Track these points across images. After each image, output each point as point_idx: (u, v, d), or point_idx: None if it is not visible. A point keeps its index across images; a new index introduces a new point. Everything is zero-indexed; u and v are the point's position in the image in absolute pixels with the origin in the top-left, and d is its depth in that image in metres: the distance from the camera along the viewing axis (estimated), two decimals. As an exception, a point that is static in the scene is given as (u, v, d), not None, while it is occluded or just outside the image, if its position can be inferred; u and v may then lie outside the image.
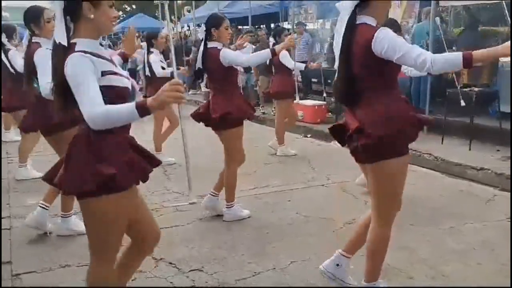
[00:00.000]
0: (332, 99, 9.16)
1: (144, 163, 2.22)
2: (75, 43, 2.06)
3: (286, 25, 12.04)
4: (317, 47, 11.06)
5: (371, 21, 2.52)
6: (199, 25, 18.35)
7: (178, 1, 18.77)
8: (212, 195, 4.32)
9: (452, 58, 2.36)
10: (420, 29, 7.90)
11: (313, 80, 10.08)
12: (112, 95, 2.05)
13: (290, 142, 6.88)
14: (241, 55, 4.14)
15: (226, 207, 4.24)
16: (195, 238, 3.87)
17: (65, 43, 2.04)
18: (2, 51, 5.86)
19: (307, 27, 11.73)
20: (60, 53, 2.06)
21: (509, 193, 4.68)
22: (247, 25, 12.45)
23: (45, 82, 3.44)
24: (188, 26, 18.71)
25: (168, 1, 2.99)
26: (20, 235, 3.97)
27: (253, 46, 10.03)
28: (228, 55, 3.99)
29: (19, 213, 4.44)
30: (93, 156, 2.06)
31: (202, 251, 3.63)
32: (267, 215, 4.36)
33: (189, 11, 18.96)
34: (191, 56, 12.21)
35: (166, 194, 4.96)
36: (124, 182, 2.11)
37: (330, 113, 8.94)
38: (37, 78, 3.63)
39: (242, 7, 13.50)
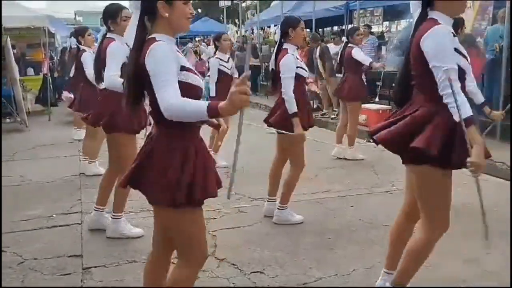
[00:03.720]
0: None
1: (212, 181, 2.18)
2: (154, 38, 2.09)
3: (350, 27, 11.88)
4: (383, 49, 10.83)
5: (439, 16, 2.41)
6: (262, 28, 18.54)
7: (242, 5, 19.01)
8: (269, 201, 4.35)
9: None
10: (494, 32, 7.55)
11: (378, 83, 9.86)
12: (187, 91, 2.05)
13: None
14: (288, 73, 3.96)
15: (278, 209, 4.24)
16: (257, 240, 3.89)
17: (132, 43, 2.11)
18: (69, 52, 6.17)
19: (372, 30, 11.52)
20: (135, 50, 2.11)
21: None
22: (311, 28, 12.39)
23: (110, 73, 3.59)
24: (252, 30, 18.89)
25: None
26: (91, 230, 4.13)
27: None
28: (284, 64, 3.93)
29: (90, 209, 4.63)
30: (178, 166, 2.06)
31: (264, 253, 3.64)
32: (329, 221, 4.31)
33: (253, 15, 19.16)
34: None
35: (229, 195, 5.00)
36: (201, 195, 2.11)
37: (395, 118, 8.70)
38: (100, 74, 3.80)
39: (306, 10, 13.45)
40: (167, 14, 2.09)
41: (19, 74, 10.25)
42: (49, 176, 5.88)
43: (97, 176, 5.78)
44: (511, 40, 6.83)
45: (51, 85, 11.16)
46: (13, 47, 10.90)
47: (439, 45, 2.30)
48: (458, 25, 4.35)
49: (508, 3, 6.92)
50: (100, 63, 3.83)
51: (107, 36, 3.87)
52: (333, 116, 9.58)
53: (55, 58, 15.36)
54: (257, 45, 15.19)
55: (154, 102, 2.06)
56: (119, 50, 3.69)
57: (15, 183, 5.64)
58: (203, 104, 1.92)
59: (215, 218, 4.26)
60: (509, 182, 5.39)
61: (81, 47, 6.11)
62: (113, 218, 3.97)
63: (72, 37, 7.94)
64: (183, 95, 1.99)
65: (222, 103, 1.88)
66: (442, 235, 2.58)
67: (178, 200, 2.06)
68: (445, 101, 2.28)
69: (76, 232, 4.12)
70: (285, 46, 4.05)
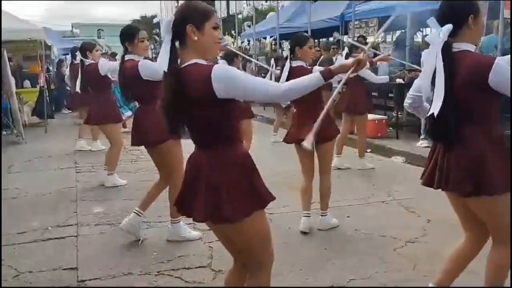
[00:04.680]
0: (393, 113, 8.98)
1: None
2: (196, 63, 2.11)
3: (346, 38, 11.95)
4: (378, 60, 10.88)
5: (470, 47, 2.41)
6: (259, 40, 18.61)
7: (239, 16, 19.14)
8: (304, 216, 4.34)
9: None
10: (488, 42, 7.61)
11: (374, 94, 9.92)
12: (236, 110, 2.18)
13: (349, 156, 6.76)
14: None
15: (322, 215, 4.32)
16: (253, 251, 3.88)
17: (165, 67, 2.12)
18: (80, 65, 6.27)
19: (368, 41, 11.59)
20: (167, 78, 2.11)
21: None
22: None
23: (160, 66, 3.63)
24: (248, 41, 18.99)
25: None
26: (87, 243, 4.13)
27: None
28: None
29: (86, 221, 4.65)
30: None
31: (260, 265, 3.62)
32: (325, 232, 4.30)
33: (249, 26, 19.29)
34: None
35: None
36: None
37: (390, 128, 8.75)
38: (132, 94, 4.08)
39: (302, 21, 13.55)
40: (196, 38, 2.12)
41: (15, 87, 10.26)
42: (45, 188, 5.87)
43: (95, 189, 5.81)
44: (507, 51, 6.86)
45: (47, 98, 11.17)
46: (10, 59, 10.92)
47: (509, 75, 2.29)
48: None
49: (500, 15, 6.98)
50: (126, 83, 4.00)
51: (126, 58, 4.04)
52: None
53: (52, 70, 15.40)
54: (253, 56, 15.26)
55: (200, 125, 2.16)
56: (148, 63, 3.88)
57: (12, 196, 5.62)
58: (313, 74, 2.16)
59: (211, 229, 4.25)
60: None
61: (87, 61, 6.17)
62: (172, 223, 4.07)
63: (74, 52, 8.03)
64: (230, 114, 2.14)
65: (333, 66, 2.19)
66: None
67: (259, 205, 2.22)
68: None
69: (71, 245, 4.11)
70: (297, 63, 4.11)
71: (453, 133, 2.41)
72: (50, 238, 4.27)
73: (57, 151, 8.21)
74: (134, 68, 3.87)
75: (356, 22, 11.04)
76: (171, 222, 4.09)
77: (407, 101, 2.83)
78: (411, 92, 2.78)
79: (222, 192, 2.11)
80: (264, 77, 10.91)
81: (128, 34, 4.09)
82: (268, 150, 7.73)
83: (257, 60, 14.81)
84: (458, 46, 2.41)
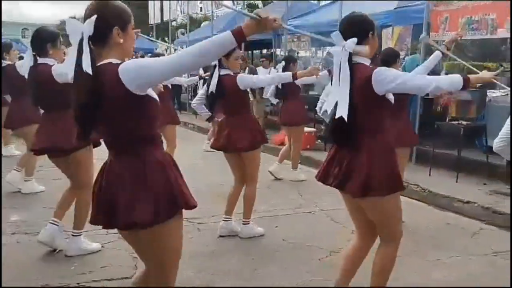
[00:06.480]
0: (322, 126, 9.22)
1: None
2: (110, 62, 2.00)
3: (278, 51, 12.18)
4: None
5: (365, 61, 2.61)
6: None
7: (173, 23, 18.98)
8: (225, 220, 4.40)
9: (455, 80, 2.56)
10: (412, 62, 8.02)
11: (305, 107, 10.16)
12: (152, 108, 2.08)
13: (282, 167, 6.84)
14: (258, 77, 4.38)
15: (244, 224, 4.37)
16: (180, 261, 3.80)
17: (90, 71, 1.93)
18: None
19: (299, 55, 11.88)
20: (86, 80, 1.94)
21: (495, 227, 4.73)
22: (240, 50, 12.58)
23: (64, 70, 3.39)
24: (182, 48, 18.87)
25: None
26: (2, 252, 3.87)
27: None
28: (245, 78, 4.17)
29: (8, 229, 4.39)
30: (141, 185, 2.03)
31: (185, 274, 3.55)
32: (253, 241, 4.32)
33: (183, 34, 19.16)
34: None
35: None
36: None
37: (319, 140, 8.97)
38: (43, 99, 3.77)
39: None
40: (121, 41, 2.04)
41: None
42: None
43: (15, 195, 5.48)
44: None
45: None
46: None
47: (387, 70, 2.53)
48: (395, 57, 4.82)
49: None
50: (38, 88, 3.72)
51: (39, 62, 3.71)
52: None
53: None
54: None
55: (117, 128, 2.04)
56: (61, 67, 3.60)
57: None
58: (224, 33, 1.92)
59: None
60: (423, 203, 5.70)
61: (4, 62, 5.95)
62: (74, 235, 3.86)
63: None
64: (148, 112, 2.04)
65: (244, 25, 1.93)
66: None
67: (162, 214, 2.03)
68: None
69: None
70: (224, 72, 4.13)
71: (353, 138, 2.59)
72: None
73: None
74: (49, 72, 3.60)
75: (288, 37, 11.26)
76: (72, 235, 3.87)
77: (318, 105, 2.99)
78: (321, 97, 2.95)
79: (145, 196, 2.02)
80: (197, 84, 10.92)
81: (50, 36, 3.75)
82: (199, 159, 7.67)
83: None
84: (356, 59, 2.56)
